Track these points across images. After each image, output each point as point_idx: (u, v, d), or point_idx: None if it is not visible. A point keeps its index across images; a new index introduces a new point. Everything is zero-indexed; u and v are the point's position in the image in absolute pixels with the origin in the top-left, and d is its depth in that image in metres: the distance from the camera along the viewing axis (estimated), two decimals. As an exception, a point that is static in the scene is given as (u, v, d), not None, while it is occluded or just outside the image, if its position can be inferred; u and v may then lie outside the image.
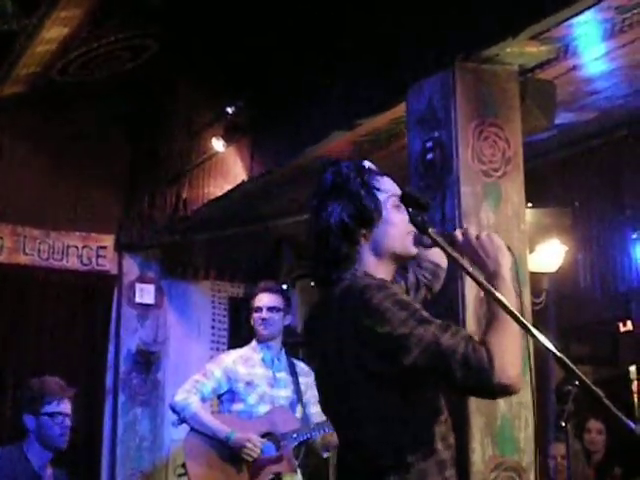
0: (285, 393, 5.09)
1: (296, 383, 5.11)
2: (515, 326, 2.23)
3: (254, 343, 5.14)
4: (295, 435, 4.96)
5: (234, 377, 5.03)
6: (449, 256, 2.30)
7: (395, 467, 2.27)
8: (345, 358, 2.30)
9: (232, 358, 5.14)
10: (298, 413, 5.08)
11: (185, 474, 5.05)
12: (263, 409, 5.00)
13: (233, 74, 5.95)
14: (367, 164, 2.46)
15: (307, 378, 5.04)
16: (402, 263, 2.50)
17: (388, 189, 2.41)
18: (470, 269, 2.30)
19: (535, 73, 4.30)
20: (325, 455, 5.21)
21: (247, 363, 5.07)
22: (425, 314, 2.25)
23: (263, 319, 5.05)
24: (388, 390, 2.28)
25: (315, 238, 2.40)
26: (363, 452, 2.32)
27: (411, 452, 2.27)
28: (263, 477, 4.91)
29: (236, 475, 4.89)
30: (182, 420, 5.02)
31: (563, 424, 2.09)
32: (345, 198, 2.36)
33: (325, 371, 2.43)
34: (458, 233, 2.40)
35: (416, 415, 2.31)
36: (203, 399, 5.02)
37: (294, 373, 5.12)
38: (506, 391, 2.22)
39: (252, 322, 5.13)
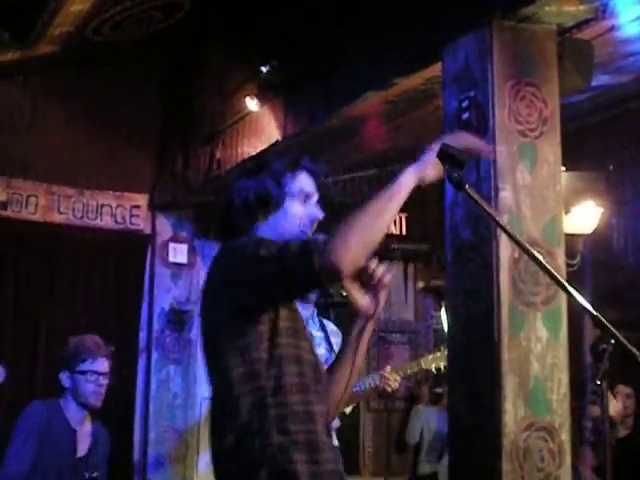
0: (320, 351, 5.12)
1: (328, 342, 5.14)
2: (379, 212, 2.29)
3: None
4: None
5: None
6: (486, 213, 2.29)
7: (253, 409, 2.35)
8: (216, 301, 2.45)
9: None
10: None
11: None
12: None
13: (266, 33, 5.93)
14: (299, 161, 2.65)
15: (336, 338, 5.07)
16: None
17: (302, 186, 2.60)
18: (507, 227, 2.29)
19: (573, 33, 4.24)
20: None
21: None
22: None
23: None
24: (249, 326, 2.38)
25: (224, 208, 2.65)
26: (227, 395, 2.41)
27: (269, 396, 2.36)
28: None
29: None
30: None
31: (598, 382, 2.09)
32: (257, 181, 2.59)
33: (204, 323, 2.54)
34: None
35: (275, 359, 2.38)
36: None
37: (325, 331, 5.15)
38: (327, 269, 2.24)
39: None
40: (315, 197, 2.62)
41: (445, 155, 2.31)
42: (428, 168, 2.35)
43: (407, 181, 2.32)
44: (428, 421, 6.84)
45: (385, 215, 2.29)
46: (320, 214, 2.60)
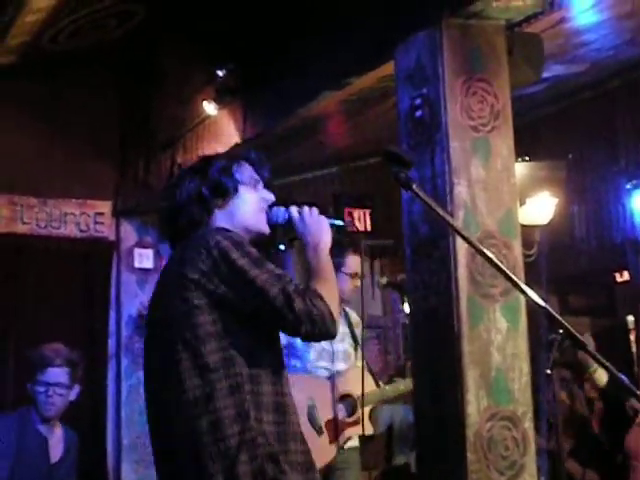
0: (342, 347, 4.89)
1: (352, 335, 4.96)
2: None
3: None
4: (371, 397, 4.82)
5: None
6: (433, 211, 2.32)
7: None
8: (175, 294, 2.51)
9: None
10: (359, 363, 4.90)
11: None
12: (322, 365, 4.81)
13: (222, 36, 5.94)
14: (238, 154, 2.84)
15: (358, 329, 4.94)
16: (255, 238, 2.75)
17: (250, 173, 2.75)
18: (455, 223, 2.34)
19: (522, 27, 4.30)
20: None
21: None
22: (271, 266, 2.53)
23: (356, 286, 4.89)
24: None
25: (174, 207, 2.69)
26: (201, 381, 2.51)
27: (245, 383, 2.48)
28: (341, 440, 4.78)
29: (317, 437, 4.67)
30: None
31: (548, 372, 2.14)
32: (205, 176, 2.69)
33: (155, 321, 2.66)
34: (294, 211, 2.74)
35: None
36: None
37: (350, 324, 4.96)
38: (320, 333, 2.51)
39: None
40: (261, 182, 2.77)
41: (391, 156, 2.35)
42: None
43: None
44: (396, 412, 6.85)
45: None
46: (272, 196, 2.76)
